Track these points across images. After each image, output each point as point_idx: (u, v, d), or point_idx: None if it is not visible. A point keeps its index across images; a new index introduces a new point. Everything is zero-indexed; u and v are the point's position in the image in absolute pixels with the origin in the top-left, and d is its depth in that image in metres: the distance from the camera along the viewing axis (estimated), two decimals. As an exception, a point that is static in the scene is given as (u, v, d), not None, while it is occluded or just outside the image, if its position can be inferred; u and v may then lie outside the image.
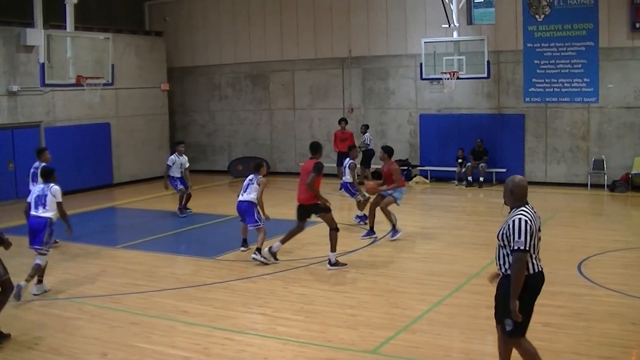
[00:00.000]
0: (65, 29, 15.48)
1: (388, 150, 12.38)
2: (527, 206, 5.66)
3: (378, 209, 12.19)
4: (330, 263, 10.41)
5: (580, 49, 17.17)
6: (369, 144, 18.68)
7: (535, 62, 17.72)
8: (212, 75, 23.40)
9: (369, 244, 12.06)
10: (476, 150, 18.97)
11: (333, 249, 10.43)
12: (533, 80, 17.84)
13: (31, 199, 9.48)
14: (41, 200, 9.31)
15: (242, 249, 11.54)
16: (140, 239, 13.00)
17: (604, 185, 17.55)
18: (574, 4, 17.06)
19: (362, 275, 10.14)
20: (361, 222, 13.49)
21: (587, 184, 17.79)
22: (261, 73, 22.52)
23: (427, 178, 19.72)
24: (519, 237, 5.44)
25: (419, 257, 11.29)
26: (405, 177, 19.72)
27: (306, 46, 21.58)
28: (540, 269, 5.64)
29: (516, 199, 5.69)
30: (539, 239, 5.69)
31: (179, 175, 15.11)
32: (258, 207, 11.11)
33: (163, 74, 22.59)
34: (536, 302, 5.67)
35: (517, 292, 5.47)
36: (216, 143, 23.58)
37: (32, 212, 9.34)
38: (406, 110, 20.32)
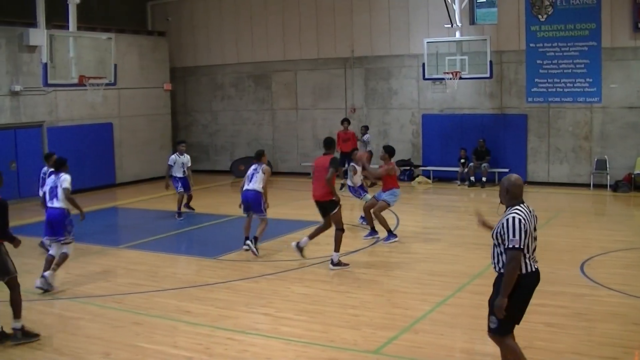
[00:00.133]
0: (68, 29, 15.49)
1: (389, 150, 12.29)
2: (522, 205, 5.66)
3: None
4: (332, 263, 10.39)
5: (582, 49, 17.11)
6: (368, 144, 18.68)
7: (538, 62, 17.66)
8: (215, 75, 23.41)
9: (371, 244, 12.06)
10: (479, 150, 18.97)
11: (337, 249, 10.41)
12: (535, 80, 17.77)
13: (46, 190, 9.73)
14: (54, 192, 9.54)
15: (244, 247, 11.43)
16: (142, 239, 13.01)
17: (606, 185, 17.54)
18: (576, 4, 17.01)
19: (365, 275, 10.15)
20: (364, 223, 13.47)
21: (590, 184, 17.76)
22: (263, 73, 22.52)
23: (429, 178, 19.71)
24: (514, 236, 5.44)
25: (421, 257, 11.27)
26: (407, 177, 19.82)
27: (308, 46, 21.58)
28: (534, 269, 5.62)
29: (512, 197, 5.69)
30: (535, 238, 5.67)
31: (180, 175, 14.89)
32: (264, 196, 11.13)
33: (165, 74, 22.60)
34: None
35: (508, 290, 5.46)
36: (218, 143, 23.58)
37: (48, 204, 9.61)
38: (409, 110, 20.32)
